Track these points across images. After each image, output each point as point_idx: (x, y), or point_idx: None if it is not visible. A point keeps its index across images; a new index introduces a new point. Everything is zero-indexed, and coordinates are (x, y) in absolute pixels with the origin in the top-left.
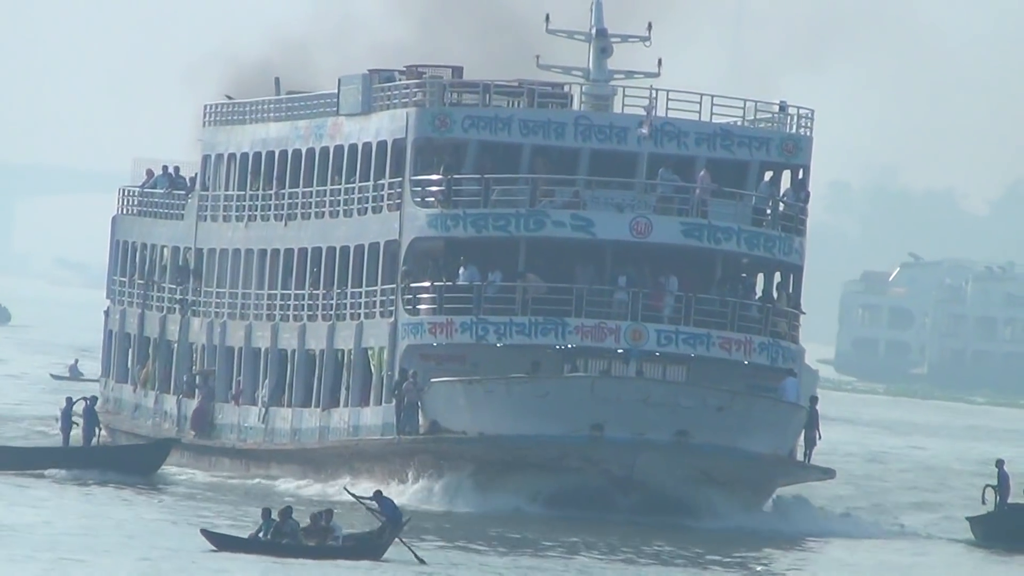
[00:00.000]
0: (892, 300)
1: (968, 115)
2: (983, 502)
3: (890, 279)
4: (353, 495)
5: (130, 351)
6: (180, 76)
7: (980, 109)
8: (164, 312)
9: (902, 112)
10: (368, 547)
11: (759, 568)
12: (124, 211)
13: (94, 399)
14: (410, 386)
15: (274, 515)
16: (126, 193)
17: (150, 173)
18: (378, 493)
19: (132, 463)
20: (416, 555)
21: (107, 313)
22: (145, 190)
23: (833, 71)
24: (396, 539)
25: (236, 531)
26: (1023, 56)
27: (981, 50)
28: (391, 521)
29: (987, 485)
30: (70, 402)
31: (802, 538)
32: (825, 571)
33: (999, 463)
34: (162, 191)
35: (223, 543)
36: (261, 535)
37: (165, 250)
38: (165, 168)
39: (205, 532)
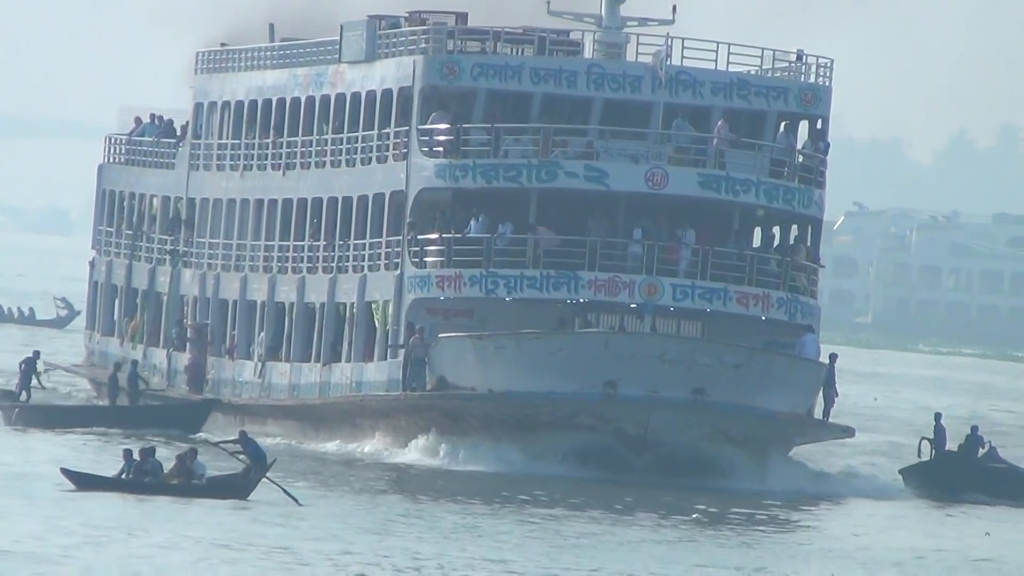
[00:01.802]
0: (837, 249)
1: (915, 65)
2: (919, 454)
3: (835, 228)
4: (215, 443)
5: (117, 303)
6: (153, 18)
7: (926, 59)
8: (153, 263)
9: (848, 61)
10: (233, 487)
11: (694, 515)
12: (111, 160)
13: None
14: (417, 341)
15: (136, 455)
16: (113, 141)
17: (138, 121)
18: (242, 433)
19: (177, 421)
20: (290, 495)
21: (92, 264)
22: (133, 138)
23: (783, 19)
24: (265, 479)
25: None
26: (970, 7)
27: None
28: (255, 461)
29: (923, 437)
30: (117, 367)
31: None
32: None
33: (937, 416)
34: (151, 139)
35: (83, 482)
36: (124, 476)
37: (155, 200)
38: (153, 116)
39: (65, 471)
